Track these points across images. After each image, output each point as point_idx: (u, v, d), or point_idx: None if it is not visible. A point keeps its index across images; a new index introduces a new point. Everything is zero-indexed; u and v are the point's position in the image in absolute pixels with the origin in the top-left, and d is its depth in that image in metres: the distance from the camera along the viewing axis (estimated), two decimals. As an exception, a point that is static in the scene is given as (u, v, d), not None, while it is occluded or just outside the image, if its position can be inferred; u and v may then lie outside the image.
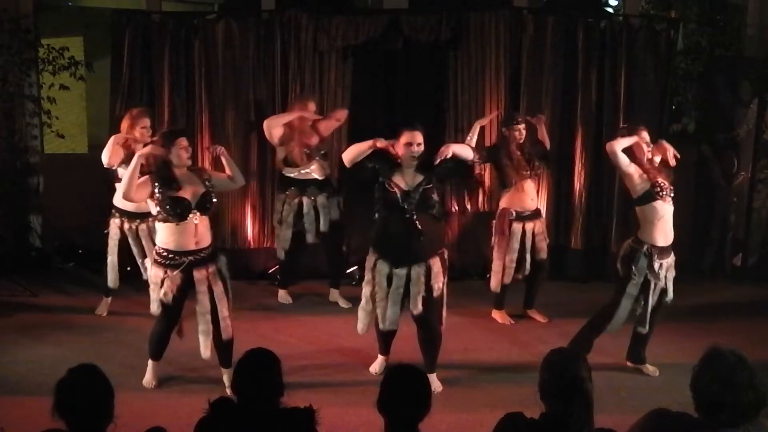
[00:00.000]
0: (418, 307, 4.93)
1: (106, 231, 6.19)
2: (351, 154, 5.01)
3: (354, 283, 7.12)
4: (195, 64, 7.13)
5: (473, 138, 6.10)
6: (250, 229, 7.37)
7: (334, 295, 6.73)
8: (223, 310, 4.90)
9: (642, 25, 7.22)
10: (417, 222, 4.86)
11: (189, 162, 4.89)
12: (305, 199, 6.42)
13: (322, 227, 6.45)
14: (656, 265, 5.11)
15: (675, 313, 5.47)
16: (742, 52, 7.82)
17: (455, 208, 7.34)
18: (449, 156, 4.91)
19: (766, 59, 7.39)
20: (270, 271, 7.17)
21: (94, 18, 8.51)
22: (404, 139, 4.91)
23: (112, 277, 6.23)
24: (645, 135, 5.18)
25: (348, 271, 7.11)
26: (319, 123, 6.48)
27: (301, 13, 7.07)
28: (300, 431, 3.04)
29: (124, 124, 6.06)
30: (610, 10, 8.92)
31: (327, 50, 7.11)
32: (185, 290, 4.86)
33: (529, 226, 6.13)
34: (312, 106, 6.45)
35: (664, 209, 5.11)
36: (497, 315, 6.35)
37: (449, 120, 7.22)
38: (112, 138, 5.99)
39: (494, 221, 6.23)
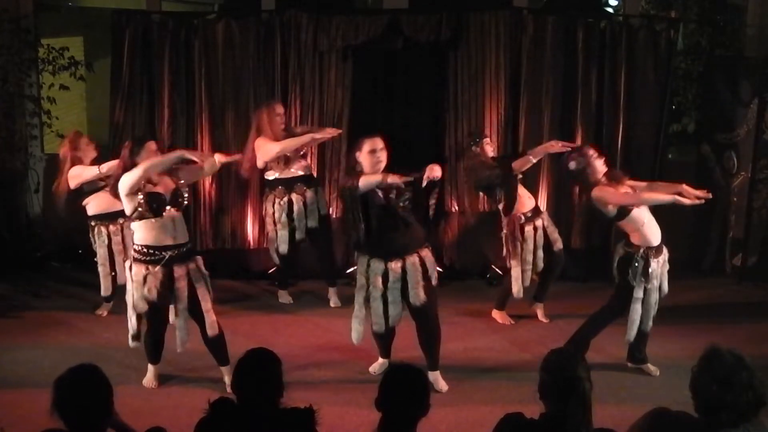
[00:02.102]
0: (420, 297, 4.90)
1: (94, 245, 6.20)
2: (363, 185, 4.89)
3: (354, 283, 7.12)
4: (195, 64, 7.15)
5: (535, 159, 5.94)
6: (250, 229, 7.37)
7: (332, 294, 6.71)
8: (206, 305, 4.92)
9: (642, 25, 7.22)
10: (400, 216, 4.89)
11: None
12: (294, 196, 6.42)
13: (310, 223, 6.45)
14: (654, 265, 5.12)
15: (675, 313, 5.49)
16: (742, 52, 7.81)
17: (455, 208, 7.34)
18: (436, 179, 4.84)
19: (766, 59, 7.38)
20: (270, 271, 7.17)
21: (94, 18, 8.53)
22: (367, 147, 4.92)
23: (105, 285, 6.23)
24: (591, 151, 5.26)
25: (348, 271, 7.10)
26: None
27: (301, 13, 7.07)
28: (300, 431, 3.04)
29: (65, 148, 6.15)
30: (610, 10, 8.91)
31: (327, 50, 7.11)
32: (169, 288, 4.86)
33: (537, 223, 6.13)
34: (279, 108, 6.45)
35: (642, 214, 5.13)
36: (497, 315, 6.34)
37: (449, 120, 7.22)
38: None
39: (503, 232, 6.16)
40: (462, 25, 7.10)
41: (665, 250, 5.23)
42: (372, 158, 4.90)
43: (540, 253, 6.11)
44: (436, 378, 5.05)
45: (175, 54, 7.14)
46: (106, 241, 6.14)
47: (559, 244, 6.23)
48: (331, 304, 6.61)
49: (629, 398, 4.95)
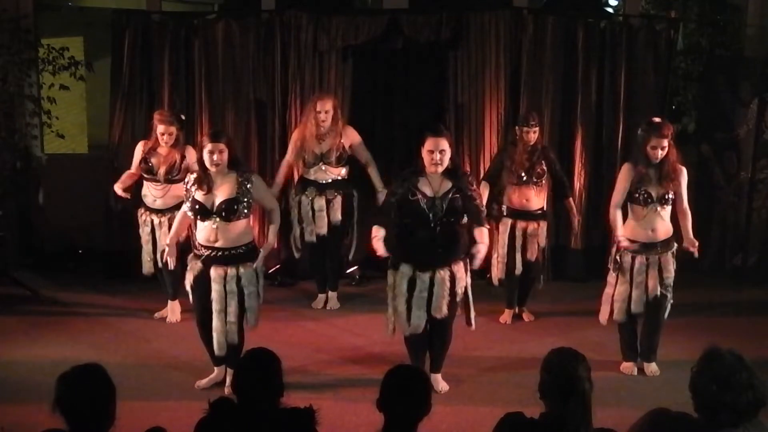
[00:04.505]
0: (442, 311, 4.82)
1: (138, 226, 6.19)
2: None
3: (354, 283, 7.12)
4: (195, 64, 7.14)
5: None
6: (250, 228, 7.36)
7: (332, 297, 6.60)
8: (230, 315, 4.85)
9: (642, 25, 7.22)
10: (439, 231, 4.72)
11: (215, 167, 4.79)
12: (303, 198, 6.32)
13: (319, 230, 6.31)
14: (626, 258, 5.18)
15: (675, 312, 5.47)
16: (742, 52, 7.82)
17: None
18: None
19: (766, 59, 7.39)
20: (270, 271, 7.16)
21: (94, 18, 8.51)
22: (427, 145, 4.74)
23: (146, 268, 6.15)
24: (663, 141, 5.09)
25: (348, 271, 7.10)
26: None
27: (301, 13, 7.07)
28: (300, 431, 3.04)
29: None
30: (610, 10, 8.92)
31: (327, 50, 7.11)
32: (204, 285, 4.88)
33: (521, 224, 6.06)
34: (322, 104, 6.18)
35: (642, 213, 5.16)
36: (504, 313, 6.34)
37: (449, 120, 7.22)
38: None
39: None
40: (462, 25, 7.10)
41: (661, 257, 5.20)
42: (428, 157, 4.73)
43: (517, 255, 6.07)
44: (437, 379, 5.03)
45: (175, 54, 7.13)
46: (149, 225, 6.09)
47: (530, 256, 6.10)
48: (328, 307, 6.55)
49: (629, 398, 4.95)
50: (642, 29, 7.19)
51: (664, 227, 5.21)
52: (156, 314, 6.27)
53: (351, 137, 6.38)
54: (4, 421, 4.32)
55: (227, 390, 4.79)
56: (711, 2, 8.05)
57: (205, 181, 4.82)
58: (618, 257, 5.25)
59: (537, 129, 6.07)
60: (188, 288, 5.02)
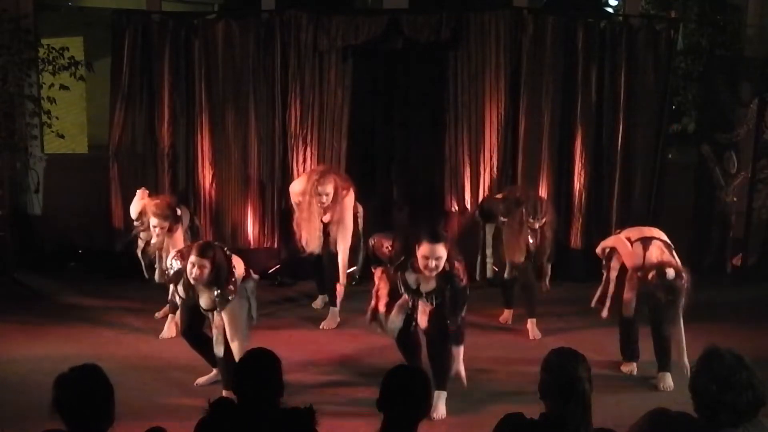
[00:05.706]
0: (422, 324, 4.75)
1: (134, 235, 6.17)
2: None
3: (354, 283, 7.11)
4: (195, 64, 7.15)
5: None
6: (250, 228, 7.37)
7: (332, 313, 6.36)
8: (216, 329, 4.82)
9: (642, 25, 7.23)
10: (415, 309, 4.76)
11: (193, 280, 4.67)
12: None
13: (314, 249, 6.20)
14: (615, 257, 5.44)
15: (675, 313, 5.47)
16: (742, 52, 7.82)
17: (455, 207, 7.33)
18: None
19: (766, 59, 7.39)
20: (270, 271, 7.16)
21: (94, 18, 8.52)
22: (422, 251, 4.52)
23: (154, 272, 6.03)
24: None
25: (348, 270, 7.09)
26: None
27: (301, 13, 7.08)
28: (300, 431, 3.04)
29: None
30: (610, 10, 8.93)
31: (327, 50, 7.12)
32: (196, 300, 4.88)
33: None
34: (323, 186, 5.95)
35: None
36: (504, 313, 6.34)
37: (449, 120, 7.22)
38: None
39: None
40: (462, 25, 7.10)
41: None
42: (423, 262, 4.54)
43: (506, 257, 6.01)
44: (438, 400, 4.64)
45: (175, 54, 7.14)
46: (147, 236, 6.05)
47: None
48: (323, 326, 6.25)
49: (629, 398, 4.94)
50: (642, 29, 7.19)
51: None
52: (156, 314, 6.27)
53: (347, 209, 6.15)
54: (4, 421, 4.31)
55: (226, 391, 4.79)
56: (711, 2, 8.05)
57: (189, 289, 4.79)
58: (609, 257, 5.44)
59: (545, 219, 5.92)
60: (177, 300, 5.03)
